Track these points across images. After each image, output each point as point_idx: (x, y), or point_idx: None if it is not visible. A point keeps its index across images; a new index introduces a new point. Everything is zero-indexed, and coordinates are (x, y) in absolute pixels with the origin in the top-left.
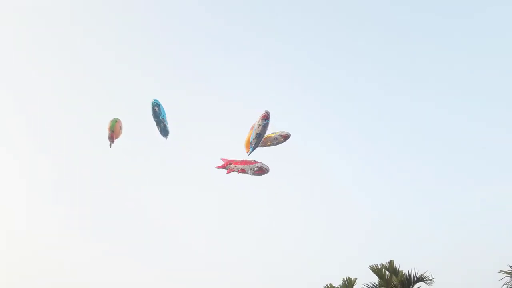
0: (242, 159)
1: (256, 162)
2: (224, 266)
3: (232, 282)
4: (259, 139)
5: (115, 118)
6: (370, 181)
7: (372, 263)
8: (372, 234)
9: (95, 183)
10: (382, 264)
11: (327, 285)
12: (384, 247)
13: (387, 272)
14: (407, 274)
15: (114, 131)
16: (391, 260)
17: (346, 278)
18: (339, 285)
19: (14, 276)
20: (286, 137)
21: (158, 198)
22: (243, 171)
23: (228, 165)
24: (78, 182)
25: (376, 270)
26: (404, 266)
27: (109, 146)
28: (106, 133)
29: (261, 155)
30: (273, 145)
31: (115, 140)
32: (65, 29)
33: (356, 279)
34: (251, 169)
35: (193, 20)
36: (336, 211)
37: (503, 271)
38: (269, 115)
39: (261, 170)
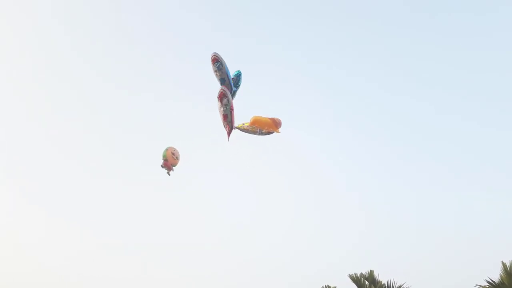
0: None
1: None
2: (209, 262)
3: (211, 276)
4: (228, 83)
5: (167, 147)
6: (364, 180)
7: (352, 272)
8: (364, 235)
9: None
10: (361, 273)
11: (323, 286)
12: (373, 251)
13: (366, 282)
14: (386, 285)
15: (167, 159)
16: (370, 270)
17: (325, 286)
18: None
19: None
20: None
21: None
22: (225, 117)
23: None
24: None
25: (355, 279)
26: (384, 276)
27: (167, 174)
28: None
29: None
30: (261, 134)
31: (173, 167)
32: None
33: (335, 287)
34: (223, 107)
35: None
36: (328, 211)
37: (479, 285)
38: (217, 56)
39: (221, 94)
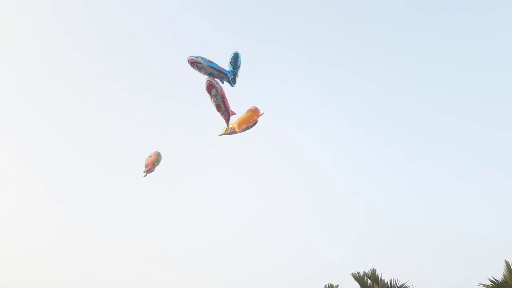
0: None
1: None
2: (209, 262)
3: (211, 276)
4: (219, 73)
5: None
6: (364, 180)
7: (355, 271)
8: (364, 235)
9: (86, 180)
10: (364, 272)
11: (326, 285)
12: (374, 250)
13: (369, 280)
14: (389, 283)
15: (146, 165)
16: (373, 269)
17: (328, 284)
18: None
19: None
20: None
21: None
22: (218, 107)
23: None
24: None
25: (358, 278)
26: (387, 275)
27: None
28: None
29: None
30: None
31: (156, 164)
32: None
33: (338, 285)
34: (214, 98)
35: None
36: (328, 211)
37: (482, 284)
38: (192, 59)
39: (209, 86)
